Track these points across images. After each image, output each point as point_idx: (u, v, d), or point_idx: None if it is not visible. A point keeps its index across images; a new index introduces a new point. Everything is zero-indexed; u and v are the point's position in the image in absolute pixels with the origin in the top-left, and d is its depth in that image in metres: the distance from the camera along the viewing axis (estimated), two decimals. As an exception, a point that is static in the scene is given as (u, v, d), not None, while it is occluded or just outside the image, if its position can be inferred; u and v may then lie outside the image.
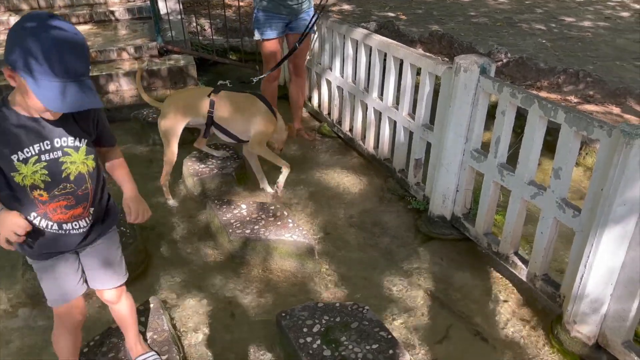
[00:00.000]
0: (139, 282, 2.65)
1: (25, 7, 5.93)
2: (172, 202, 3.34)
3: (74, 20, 5.82)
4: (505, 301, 2.56)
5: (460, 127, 2.72)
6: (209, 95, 3.20)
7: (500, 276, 2.71)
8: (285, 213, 3.00)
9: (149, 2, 5.38)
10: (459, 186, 2.88)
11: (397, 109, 3.32)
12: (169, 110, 3.20)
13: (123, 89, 4.85)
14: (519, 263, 2.55)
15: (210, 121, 3.22)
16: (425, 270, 2.78)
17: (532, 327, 2.41)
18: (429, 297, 2.59)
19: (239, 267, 2.78)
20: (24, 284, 2.53)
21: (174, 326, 2.36)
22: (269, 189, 3.46)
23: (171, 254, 2.88)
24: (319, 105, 4.52)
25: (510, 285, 2.65)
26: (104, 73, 4.78)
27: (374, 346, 2.05)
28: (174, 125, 3.21)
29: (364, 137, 3.83)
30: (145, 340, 2.14)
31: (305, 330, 2.14)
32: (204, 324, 2.42)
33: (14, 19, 5.67)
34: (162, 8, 5.30)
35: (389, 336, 2.10)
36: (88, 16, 5.88)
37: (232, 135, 3.29)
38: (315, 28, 4.12)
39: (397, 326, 2.41)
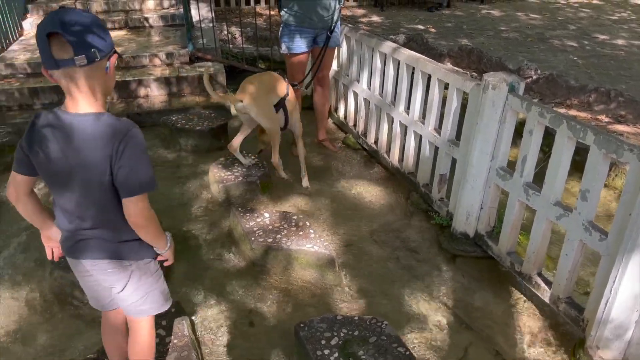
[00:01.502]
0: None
1: (63, 11, 6.10)
2: (284, 175, 3.65)
3: (109, 25, 5.98)
4: (527, 322, 2.52)
5: (487, 144, 2.70)
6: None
7: (522, 297, 2.67)
8: (308, 223, 3.01)
9: (182, 9, 5.50)
10: (484, 203, 2.86)
11: (423, 123, 3.32)
12: (260, 94, 3.38)
13: (154, 94, 4.95)
14: (542, 284, 2.51)
15: (283, 104, 3.49)
16: (446, 287, 2.76)
17: (554, 350, 2.36)
18: (449, 315, 2.57)
19: (259, 275, 2.80)
20: (51, 282, 2.59)
21: (193, 331, 2.39)
22: (305, 183, 3.64)
23: (194, 260, 2.91)
24: (345, 117, 4.54)
25: (533, 306, 2.60)
26: (135, 78, 4.89)
27: (392, 362, 2.04)
28: (270, 103, 3.43)
29: (388, 150, 3.83)
30: (168, 343, 2.18)
31: (323, 342, 2.14)
32: (223, 331, 2.45)
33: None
34: (195, 16, 5.41)
35: (407, 352, 2.09)
36: (123, 22, 6.04)
37: (287, 117, 3.58)
38: (342, 41, 4.15)
39: (415, 342, 2.39)
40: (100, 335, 2.37)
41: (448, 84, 3.03)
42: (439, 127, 3.22)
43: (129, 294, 1.72)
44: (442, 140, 3.14)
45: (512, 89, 2.58)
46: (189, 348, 2.17)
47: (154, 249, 1.70)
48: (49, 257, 1.77)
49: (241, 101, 3.35)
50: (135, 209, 1.52)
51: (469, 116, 2.84)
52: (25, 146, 1.51)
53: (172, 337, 2.22)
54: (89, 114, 1.45)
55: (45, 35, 1.34)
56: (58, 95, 4.68)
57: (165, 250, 1.72)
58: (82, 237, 1.61)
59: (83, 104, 1.45)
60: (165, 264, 1.80)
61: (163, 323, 2.28)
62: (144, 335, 1.83)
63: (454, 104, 3.00)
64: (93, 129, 1.45)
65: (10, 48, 5.36)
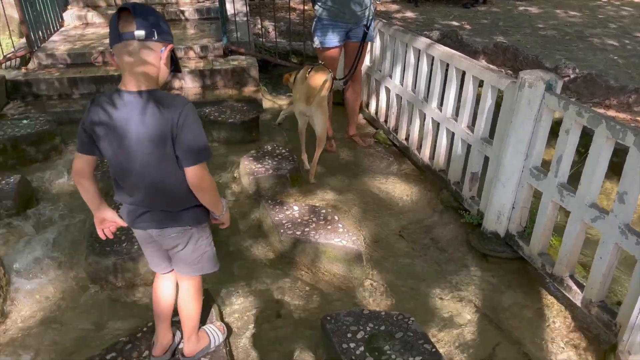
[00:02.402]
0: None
1: (102, 3, 6.25)
2: (313, 181, 3.65)
3: (146, 18, 6.07)
4: (557, 325, 2.47)
5: (521, 143, 2.66)
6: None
7: (553, 299, 2.62)
8: (336, 217, 3.02)
9: (217, 3, 5.56)
10: (516, 203, 2.81)
11: (456, 120, 3.28)
12: (325, 101, 3.56)
13: (188, 86, 5.03)
14: (574, 287, 2.46)
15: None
16: (474, 286, 2.73)
17: (584, 354, 2.32)
18: (476, 314, 2.54)
19: (287, 267, 2.82)
20: (87, 267, 2.67)
21: (221, 319, 2.43)
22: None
23: (223, 250, 2.95)
24: (376, 112, 4.52)
25: (563, 309, 2.56)
26: (170, 70, 4.97)
27: (417, 358, 2.04)
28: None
29: (419, 147, 3.81)
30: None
31: (349, 335, 2.15)
32: (251, 320, 2.48)
33: (91, 14, 5.98)
34: (230, 9, 5.45)
35: (433, 349, 2.08)
36: (159, 15, 6.13)
37: None
38: (375, 36, 4.13)
39: (441, 340, 2.38)
40: (132, 318, 2.46)
41: (482, 81, 2.99)
42: (472, 125, 3.18)
43: (188, 254, 1.89)
44: (475, 138, 3.10)
45: (549, 88, 2.53)
46: (217, 336, 2.20)
47: (211, 213, 1.87)
48: (102, 237, 1.88)
49: (309, 105, 3.51)
50: (197, 175, 1.67)
51: (503, 114, 2.80)
52: (87, 127, 1.64)
53: (201, 324, 2.26)
54: (146, 91, 1.60)
55: (117, 12, 1.54)
56: (96, 85, 4.80)
57: (222, 214, 1.88)
58: (145, 209, 1.76)
59: (140, 81, 1.60)
60: (222, 226, 1.96)
61: (192, 310, 2.32)
62: (193, 294, 2.00)
63: (488, 101, 2.95)
64: (152, 104, 1.59)
65: (51, 39, 5.51)
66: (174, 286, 2.06)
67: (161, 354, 2.08)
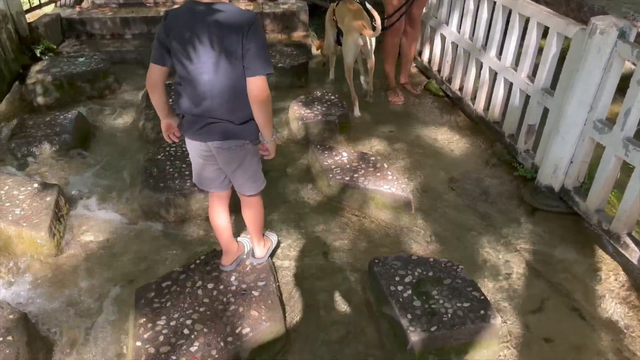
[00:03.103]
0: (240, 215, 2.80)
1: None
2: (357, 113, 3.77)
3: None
4: (610, 282, 2.41)
5: (586, 94, 2.53)
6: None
7: (607, 256, 2.55)
8: (385, 165, 2.99)
9: (268, -56, 5.40)
10: (574, 157, 2.71)
11: (516, 70, 3.14)
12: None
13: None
14: (632, 245, 2.39)
15: None
16: (524, 239, 2.68)
17: (637, 312, 2.26)
18: (526, 267, 2.51)
19: (335, 211, 2.84)
20: (141, 201, 2.75)
21: (271, 257, 2.47)
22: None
23: (272, 191, 2.97)
24: (429, 61, 4.38)
25: (618, 266, 2.49)
26: (221, 12, 4.92)
27: (465, 304, 2.04)
28: None
29: (474, 98, 3.69)
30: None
31: (397, 279, 2.16)
32: (298, 260, 2.52)
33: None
34: (282, -50, 5.31)
35: (482, 297, 2.08)
36: (210, -44, 6.03)
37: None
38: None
39: (490, 289, 2.36)
40: (184, 252, 2.54)
41: (545, 30, 2.84)
42: (532, 75, 3.04)
43: (242, 172, 2.00)
44: (535, 89, 2.97)
45: (622, 35, 2.37)
46: (267, 271, 2.25)
47: (260, 138, 1.92)
48: (169, 141, 2.08)
49: (361, 34, 3.52)
50: (258, 86, 1.75)
51: (569, 63, 2.66)
52: (161, 36, 1.76)
53: (253, 259, 2.31)
54: (219, 3, 1.71)
55: None
56: (147, 26, 4.81)
57: (270, 140, 1.92)
58: (210, 121, 1.84)
59: None
60: (266, 157, 2.01)
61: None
62: (256, 207, 2.18)
63: (552, 49, 2.81)
64: (224, 15, 1.68)
65: (104, -22, 5.52)
66: (226, 215, 2.20)
67: (228, 263, 2.24)
